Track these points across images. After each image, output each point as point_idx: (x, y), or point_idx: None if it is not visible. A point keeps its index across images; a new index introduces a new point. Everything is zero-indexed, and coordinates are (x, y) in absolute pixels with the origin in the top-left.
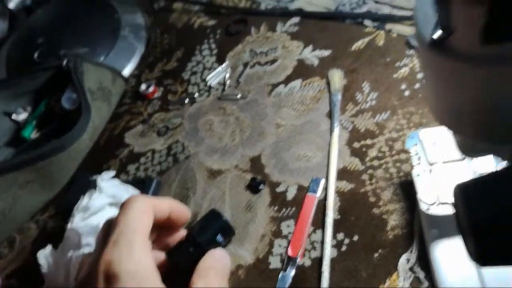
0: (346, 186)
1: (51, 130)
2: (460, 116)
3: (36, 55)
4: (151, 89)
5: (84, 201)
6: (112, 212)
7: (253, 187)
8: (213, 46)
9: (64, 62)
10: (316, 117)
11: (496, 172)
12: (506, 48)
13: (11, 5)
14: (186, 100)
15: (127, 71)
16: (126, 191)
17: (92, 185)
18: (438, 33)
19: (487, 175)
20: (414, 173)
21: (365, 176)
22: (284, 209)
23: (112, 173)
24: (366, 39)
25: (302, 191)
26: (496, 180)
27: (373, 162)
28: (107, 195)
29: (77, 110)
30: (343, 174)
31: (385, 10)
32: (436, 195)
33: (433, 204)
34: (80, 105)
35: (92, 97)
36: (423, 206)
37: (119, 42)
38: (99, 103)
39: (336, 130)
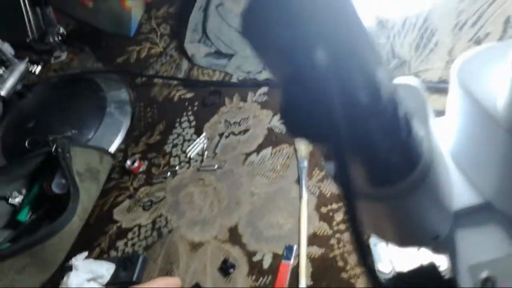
0: (317, 251)
1: (45, 212)
2: None
3: (27, 142)
4: (136, 164)
5: (63, 283)
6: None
7: (224, 270)
8: (191, 118)
9: (53, 148)
10: (287, 184)
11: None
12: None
13: (3, 92)
14: (168, 173)
15: (114, 146)
16: (101, 265)
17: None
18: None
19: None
20: (372, 242)
21: (333, 240)
22: (261, 278)
23: (85, 253)
24: None
25: (277, 258)
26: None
27: (339, 226)
28: (84, 271)
29: (67, 193)
30: (313, 239)
31: None
32: (392, 265)
33: (389, 273)
34: (70, 190)
35: (80, 178)
36: (380, 276)
37: (106, 118)
38: (88, 183)
39: (305, 197)
